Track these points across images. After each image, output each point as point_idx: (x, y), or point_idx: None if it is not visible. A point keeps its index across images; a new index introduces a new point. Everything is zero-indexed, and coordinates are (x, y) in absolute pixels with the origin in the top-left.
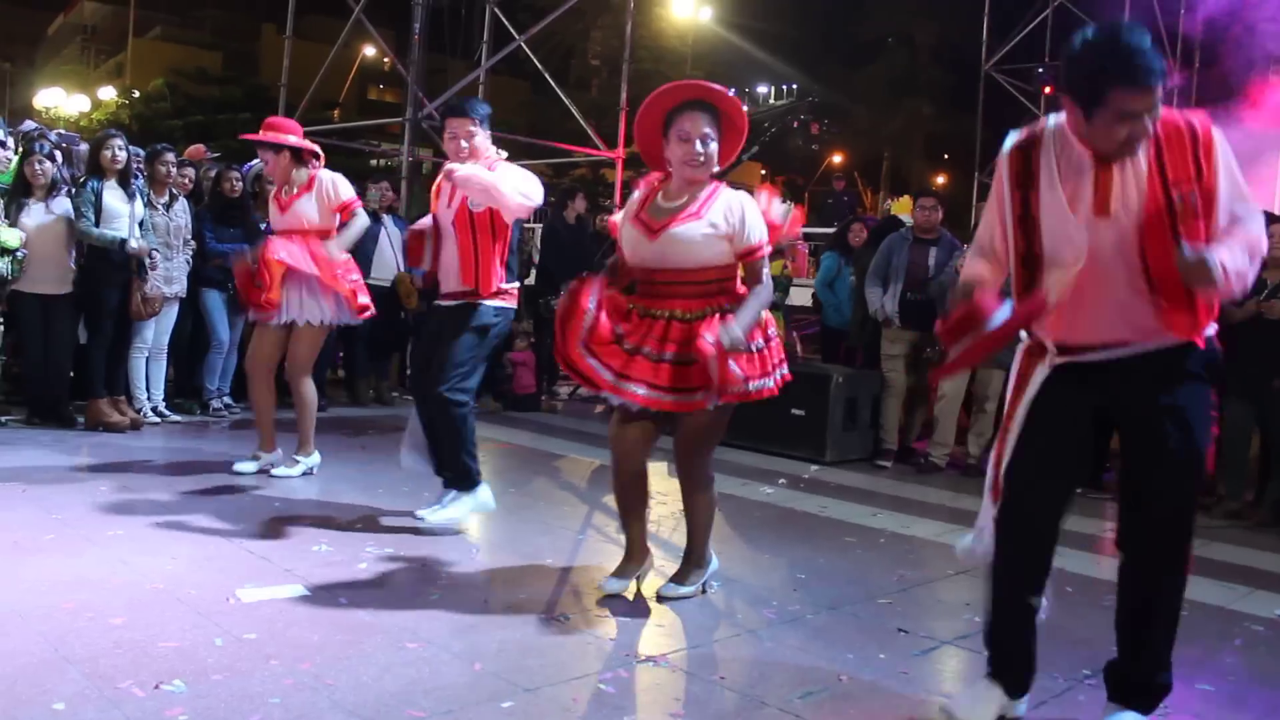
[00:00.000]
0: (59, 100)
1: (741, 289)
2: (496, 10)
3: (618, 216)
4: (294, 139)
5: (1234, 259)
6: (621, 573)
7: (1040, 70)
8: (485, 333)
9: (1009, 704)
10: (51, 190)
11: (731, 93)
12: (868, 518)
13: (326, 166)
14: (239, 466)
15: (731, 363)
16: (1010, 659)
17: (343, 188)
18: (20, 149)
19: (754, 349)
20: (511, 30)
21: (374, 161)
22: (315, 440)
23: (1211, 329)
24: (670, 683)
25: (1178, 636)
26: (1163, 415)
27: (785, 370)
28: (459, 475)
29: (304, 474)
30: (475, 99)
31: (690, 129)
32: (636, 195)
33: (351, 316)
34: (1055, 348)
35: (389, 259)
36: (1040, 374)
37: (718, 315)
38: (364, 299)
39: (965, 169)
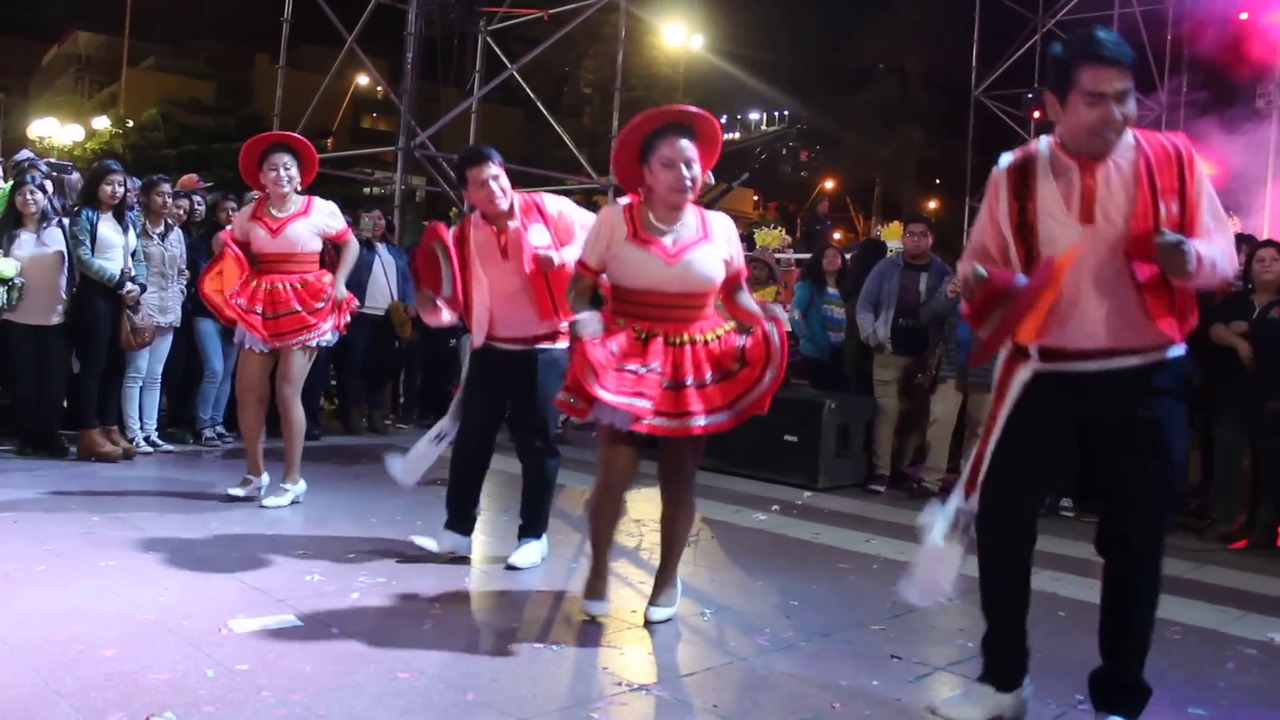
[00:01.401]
0: (53, 130)
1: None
2: (489, 39)
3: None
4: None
5: (1209, 251)
6: (600, 593)
7: (1030, 95)
8: (562, 373)
9: (1003, 700)
10: (43, 220)
11: (723, 119)
12: (861, 544)
13: (320, 195)
14: (233, 490)
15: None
16: (1002, 658)
17: (339, 216)
18: (11, 178)
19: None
20: (504, 59)
21: (367, 190)
22: (309, 468)
23: (1182, 348)
24: (663, 711)
25: (1171, 661)
26: (1140, 426)
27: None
28: (543, 523)
29: (292, 502)
30: (481, 144)
31: (674, 154)
32: (617, 217)
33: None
34: (1040, 353)
35: (382, 288)
36: (1019, 379)
37: (726, 334)
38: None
39: (956, 194)
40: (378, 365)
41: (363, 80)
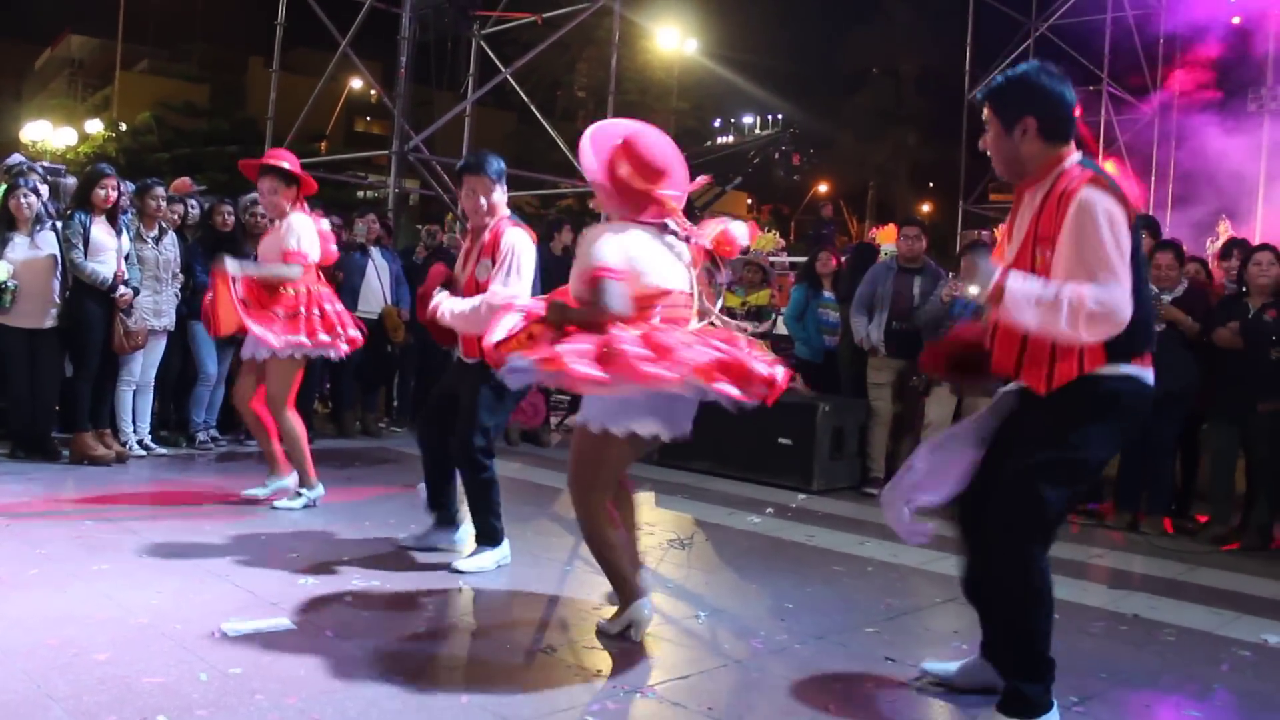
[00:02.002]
0: (46, 133)
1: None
2: (483, 43)
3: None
4: (289, 167)
5: (1026, 289)
6: (630, 595)
7: None
8: (502, 392)
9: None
10: (36, 224)
11: (717, 123)
12: (855, 546)
13: (314, 199)
14: (254, 492)
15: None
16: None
17: (295, 237)
18: (5, 182)
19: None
20: (498, 63)
21: (361, 193)
22: None
23: (1116, 368)
24: (658, 714)
25: (1165, 662)
26: (1012, 432)
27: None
28: (484, 534)
29: (305, 506)
30: (489, 155)
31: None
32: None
33: (337, 352)
34: None
35: (376, 291)
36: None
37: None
38: (353, 331)
39: (950, 197)
40: (371, 369)
41: (356, 84)
